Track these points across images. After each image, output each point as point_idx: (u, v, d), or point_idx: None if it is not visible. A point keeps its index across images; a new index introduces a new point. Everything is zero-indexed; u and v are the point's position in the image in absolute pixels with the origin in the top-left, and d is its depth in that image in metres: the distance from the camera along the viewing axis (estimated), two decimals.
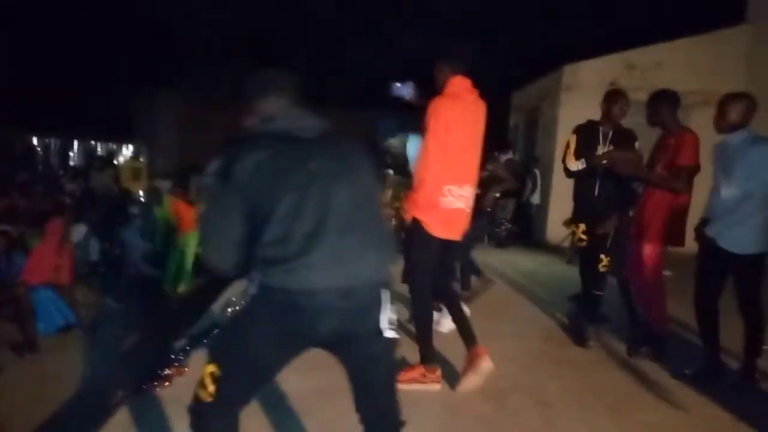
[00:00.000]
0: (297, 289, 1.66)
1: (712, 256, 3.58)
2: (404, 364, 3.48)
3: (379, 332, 1.80)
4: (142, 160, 14.07)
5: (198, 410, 1.82)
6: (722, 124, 3.54)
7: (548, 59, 11.45)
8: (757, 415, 3.22)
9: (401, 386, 2.92)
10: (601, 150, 4.13)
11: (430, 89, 3.39)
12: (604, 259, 4.23)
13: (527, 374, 3.77)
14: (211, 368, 1.78)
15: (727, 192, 3.46)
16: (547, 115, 11.21)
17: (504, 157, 10.97)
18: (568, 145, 4.27)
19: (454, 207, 3.29)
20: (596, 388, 3.62)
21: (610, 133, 4.18)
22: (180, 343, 3.91)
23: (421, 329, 3.45)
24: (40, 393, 4.31)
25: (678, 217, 3.93)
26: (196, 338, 3.90)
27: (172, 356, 3.64)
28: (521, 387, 3.54)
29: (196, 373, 3.33)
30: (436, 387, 3.39)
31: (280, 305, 1.69)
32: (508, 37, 18.43)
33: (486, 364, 3.30)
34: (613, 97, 4.27)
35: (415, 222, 3.31)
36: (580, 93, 10.09)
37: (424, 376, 3.37)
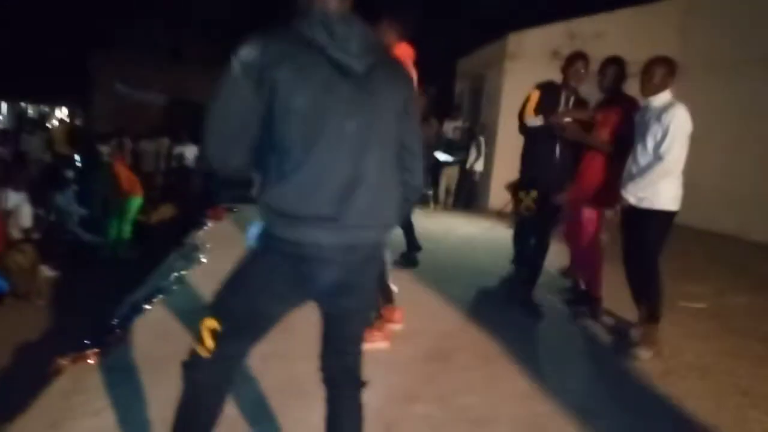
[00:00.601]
0: (305, 242, 1.65)
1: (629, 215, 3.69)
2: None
3: (370, 286, 1.88)
4: (77, 122, 13.42)
5: (195, 366, 1.78)
6: (647, 87, 3.62)
7: (494, 27, 11.51)
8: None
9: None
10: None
11: None
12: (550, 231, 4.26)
13: (470, 334, 3.88)
14: (211, 323, 1.75)
15: (644, 153, 3.57)
16: (491, 83, 11.31)
17: (453, 124, 11.11)
18: (528, 99, 4.19)
19: None
20: (536, 343, 3.78)
21: (572, 98, 4.16)
22: (121, 309, 3.83)
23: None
24: None
25: (613, 180, 4.05)
26: (138, 305, 3.83)
27: (113, 323, 3.56)
28: (465, 346, 3.64)
29: (137, 341, 3.30)
30: (384, 345, 3.46)
31: (288, 255, 1.67)
32: (456, 2, 18.44)
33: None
34: (572, 59, 4.20)
35: None
36: (523, 61, 10.23)
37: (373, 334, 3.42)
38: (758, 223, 8.98)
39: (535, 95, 4.16)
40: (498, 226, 8.24)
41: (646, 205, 3.56)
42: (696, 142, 12.01)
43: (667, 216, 3.58)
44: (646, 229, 3.61)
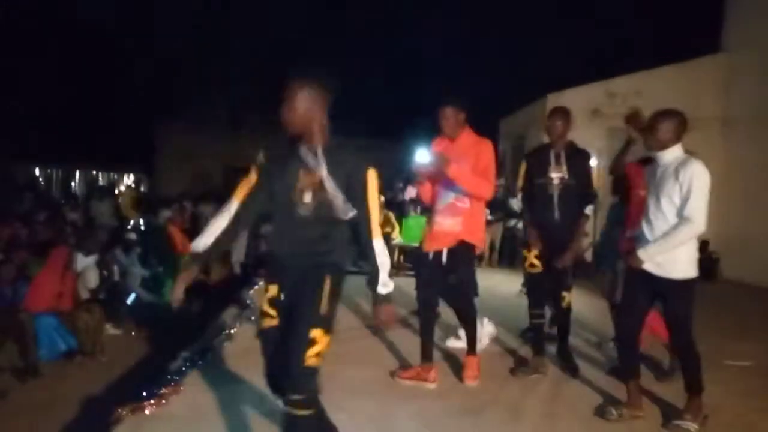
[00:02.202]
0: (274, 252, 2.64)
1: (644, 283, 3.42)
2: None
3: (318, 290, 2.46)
4: (142, 189, 14.37)
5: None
6: (653, 141, 3.41)
7: (535, 87, 11.85)
8: None
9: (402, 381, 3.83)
10: (552, 171, 4.08)
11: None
12: (567, 296, 4.16)
13: (504, 390, 3.97)
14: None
15: (658, 212, 3.34)
16: (532, 142, 11.54)
17: (498, 183, 11.33)
18: (518, 172, 4.36)
19: None
20: (569, 400, 3.83)
21: (562, 153, 4.10)
22: (176, 364, 4.13)
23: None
24: (41, 417, 4.50)
25: None
26: (191, 359, 4.12)
27: (168, 376, 3.86)
28: (498, 401, 3.74)
29: (190, 392, 3.57)
30: (431, 386, 3.82)
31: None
32: (499, 65, 19.01)
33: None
34: (549, 114, 4.21)
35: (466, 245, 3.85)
36: None
37: (419, 374, 3.85)
38: None
39: (522, 168, 4.32)
40: None
41: (671, 274, 3.29)
42: (745, 195, 11.89)
43: (693, 283, 3.36)
44: (673, 298, 3.36)
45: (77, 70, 18.76)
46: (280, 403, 2.50)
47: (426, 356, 3.94)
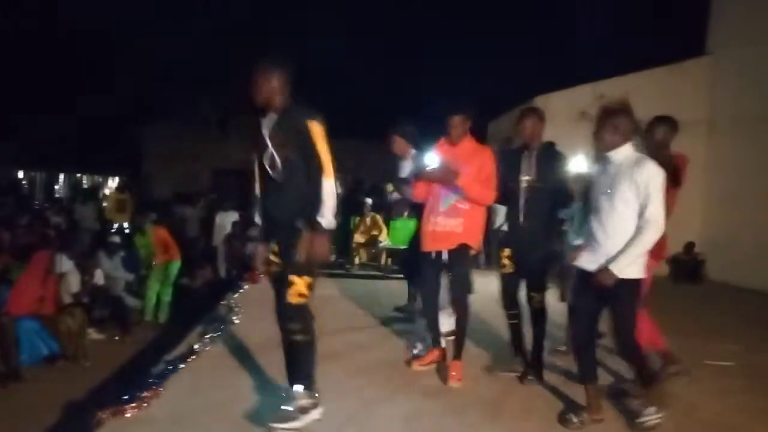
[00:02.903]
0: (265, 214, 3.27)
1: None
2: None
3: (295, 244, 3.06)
4: (127, 192, 14.26)
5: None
6: (603, 141, 3.32)
7: (524, 90, 11.88)
8: None
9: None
10: (522, 174, 4.03)
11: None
12: (536, 296, 4.11)
13: (486, 390, 3.98)
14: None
15: (612, 213, 3.25)
16: (518, 144, 11.57)
17: None
18: None
19: None
20: (551, 400, 3.84)
21: (534, 155, 4.04)
22: (158, 367, 4.11)
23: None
24: (23, 422, 4.47)
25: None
26: (173, 363, 4.10)
27: (150, 380, 3.83)
28: (480, 401, 3.75)
29: (172, 395, 3.55)
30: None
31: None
32: (488, 68, 19.14)
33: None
34: (519, 116, 4.18)
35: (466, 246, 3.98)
36: (551, 123, 10.41)
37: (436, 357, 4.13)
38: None
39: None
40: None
41: (627, 274, 3.21)
42: (729, 197, 12.02)
43: (637, 284, 3.30)
44: (621, 299, 3.28)
45: (61, 72, 18.63)
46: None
47: (437, 342, 4.19)
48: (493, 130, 14.40)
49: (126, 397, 3.46)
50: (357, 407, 3.53)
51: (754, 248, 9.56)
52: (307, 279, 3.09)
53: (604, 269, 3.21)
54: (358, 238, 9.61)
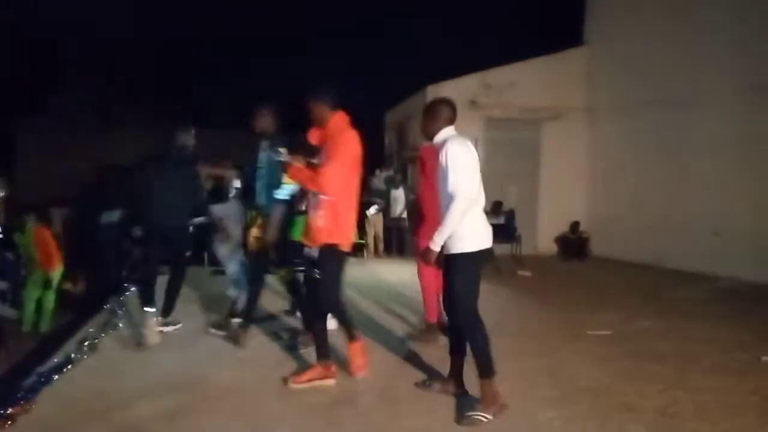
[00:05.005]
0: None
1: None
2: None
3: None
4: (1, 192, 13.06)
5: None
6: (424, 135, 3.63)
7: (418, 79, 12.04)
8: None
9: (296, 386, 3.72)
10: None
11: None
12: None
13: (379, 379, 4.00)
14: None
15: (445, 194, 3.35)
16: (412, 134, 11.78)
17: (384, 174, 11.46)
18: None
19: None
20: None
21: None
22: (29, 380, 3.79)
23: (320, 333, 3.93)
24: None
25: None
26: (46, 375, 3.80)
27: (19, 394, 3.53)
28: (372, 389, 3.77)
29: (44, 410, 3.28)
30: (331, 382, 3.79)
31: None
32: (384, 58, 19.34)
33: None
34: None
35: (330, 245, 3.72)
36: None
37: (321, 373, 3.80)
38: (671, 252, 9.53)
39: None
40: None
41: (449, 249, 3.34)
42: (609, 178, 12.78)
43: (470, 258, 3.32)
44: (454, 274, 3.35)
45: None
46: None
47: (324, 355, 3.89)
48: (389, 118, 14.57)
49: None
50: (251, 406, 3.43)
51: (633, 225, 10.32)
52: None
53: (426, 250, 3.41)
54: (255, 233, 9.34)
